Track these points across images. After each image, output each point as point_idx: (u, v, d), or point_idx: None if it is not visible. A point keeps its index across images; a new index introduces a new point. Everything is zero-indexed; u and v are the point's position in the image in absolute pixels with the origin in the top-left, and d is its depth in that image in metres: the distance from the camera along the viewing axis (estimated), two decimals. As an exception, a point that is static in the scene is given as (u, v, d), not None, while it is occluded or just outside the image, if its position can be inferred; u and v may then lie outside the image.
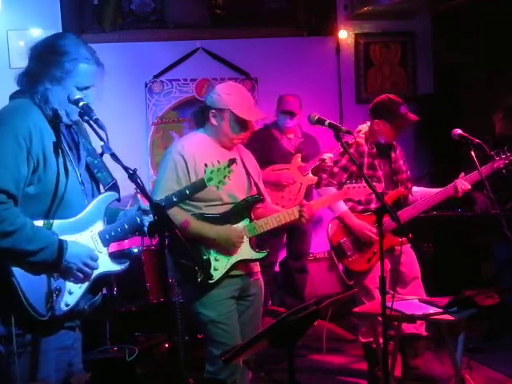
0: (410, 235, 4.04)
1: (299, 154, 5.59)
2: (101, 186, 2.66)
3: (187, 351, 4.30)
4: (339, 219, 4.23)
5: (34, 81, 2.45)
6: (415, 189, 4.39)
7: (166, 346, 4.20)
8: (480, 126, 5.31)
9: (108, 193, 2.62)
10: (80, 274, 2.45)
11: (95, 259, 2.49)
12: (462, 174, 4.15)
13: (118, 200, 2.63)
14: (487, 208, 5.19)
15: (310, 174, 5.48)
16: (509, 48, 5.98)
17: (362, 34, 6.93)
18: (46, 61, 2.45)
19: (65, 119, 2.49)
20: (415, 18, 6.95)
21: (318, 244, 6.07)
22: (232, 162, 2.97)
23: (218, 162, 2.97)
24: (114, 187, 2.63)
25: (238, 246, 3.33)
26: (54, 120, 2.47)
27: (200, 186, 2.96)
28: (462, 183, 4.12)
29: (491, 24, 6.35)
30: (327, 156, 5.36)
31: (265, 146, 5.47)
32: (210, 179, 2.92)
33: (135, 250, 4.60)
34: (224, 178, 2.94)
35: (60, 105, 2.46)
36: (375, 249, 4.16)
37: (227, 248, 3.31)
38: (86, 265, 2.44)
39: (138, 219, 2.57)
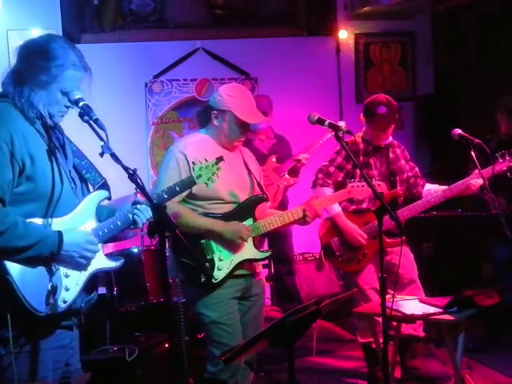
0: (404, 238, 4.06)
1: (274, 156, 5.56)
2: (90, 187, 2.66)
3: (187, 351, 4.30)
4: (331, 220, 4.23)
5: (20, 83, 2.45)
6: (429, 186, 4.37)
7: (166, 346, 4.20)
8: (480, 125, 5.31)
9: (99, 191, 2.63)
10: (82, 260, 2.46)
11: (94, 243, 2.50)
12: (476, 171, 4.05)
13: (109, 198, 2.64)
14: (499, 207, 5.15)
15: (287, 175, 5.48)
16: (508, 48, 5.98)
17: (361, 33, 6.93)
18: (33, 64, 2.45)
19: (48, 121, 2.50)
20: (415, 18, 6.96)
21: (318, 244, 6.05)
22: (219, 159, 2.97)
23: (206, 159, 2.98)
24: (104, 186, 2.64)
25: (246, 239, 3.32)
26: (38, 122, 2.48)
27: (189, 182, 2.96)
28: (476, 180, 4.08)
29: (491, 24, 6.35)
30: (302, 156, 5.36)
31: None
32: (199, 176, 2.94)
33: (135, 250, 4.59)
34: (213, 175, 2.95)
35: (44, 108, 2.46)
36: (365, 250, 4.16)
37: (234, 241, 3.31)
38: (86, 250, 2.46)
39: (131, 216, 2.57)
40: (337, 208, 4.19)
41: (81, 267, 2.48)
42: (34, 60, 2.45)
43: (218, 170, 2.95)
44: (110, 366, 4.02)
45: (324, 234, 4.27)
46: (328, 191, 4.17)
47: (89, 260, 2.50)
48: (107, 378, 3.99)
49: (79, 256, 2.45)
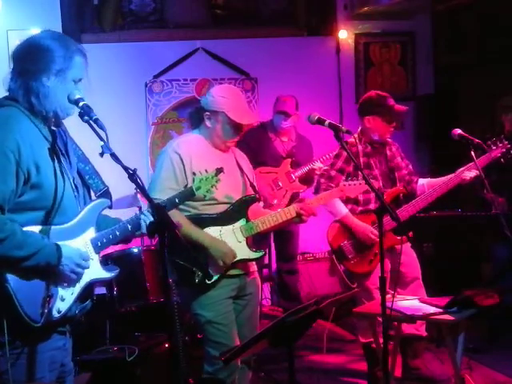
0: (410, 234, 4.05)
1: (289, 160, 5.50)
2: (92, 194, 2.65)
3: (187, 351, 4.30)
4: (340, 222, 4.22)
5: (33, 77, 2.41)
6: (422, 181, 4.38)
7: (166, 346, 4.20)
8: (480, 125, 5.32)
9: (100, 199, 2.61)
10: (73, 275, 2.44)
11: (87, 259, 2.48)
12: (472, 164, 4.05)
13: (110, 207, 2.63)
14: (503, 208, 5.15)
15: (297, 182, 5.45)
16: (508, 48, 5.99)
17: (361, 33, 6.93)
18: (37, 58, 2.41)
19: (62, 115, 2.48)
20: (415, 18, 6.96)
21: (318, 244, 6.06)
22: (219, 171, 3.00)
23: (206, 171, 2.99)
24: (106, 194, 2.62)
25: (227, 264, 3.31)
26: (46, 126, 2.46)
27: (189, 194, 2.98)
28: (468, 172, 4.09)
29: (491, 24, 6.35)
30: (317, 166, 5.32)
31: (257, 146, 5.40)
32: (198, 188, 2.96)
33: (135, 250, 4.59)
34: (212, 187, 2.97)
35: (58, 103, 2.44)
36: (376, 250, 4.15)
37: (216, 259, 3.30)
38: (78, 265, 2.44)
39: (129, 226, 2.58)
40: (344, 210, 4.18)
41: (71, 282, 2.46)
42: (37, 55, 2.42)
43: (217, 182, 2.97)
44: (110, 366, 4.02)
45: (333, 237, 4.25)
46: None
47: (79, 276, 2.47)
48: (107, 378, 3.99)
49: (70, 271, 2.42)
